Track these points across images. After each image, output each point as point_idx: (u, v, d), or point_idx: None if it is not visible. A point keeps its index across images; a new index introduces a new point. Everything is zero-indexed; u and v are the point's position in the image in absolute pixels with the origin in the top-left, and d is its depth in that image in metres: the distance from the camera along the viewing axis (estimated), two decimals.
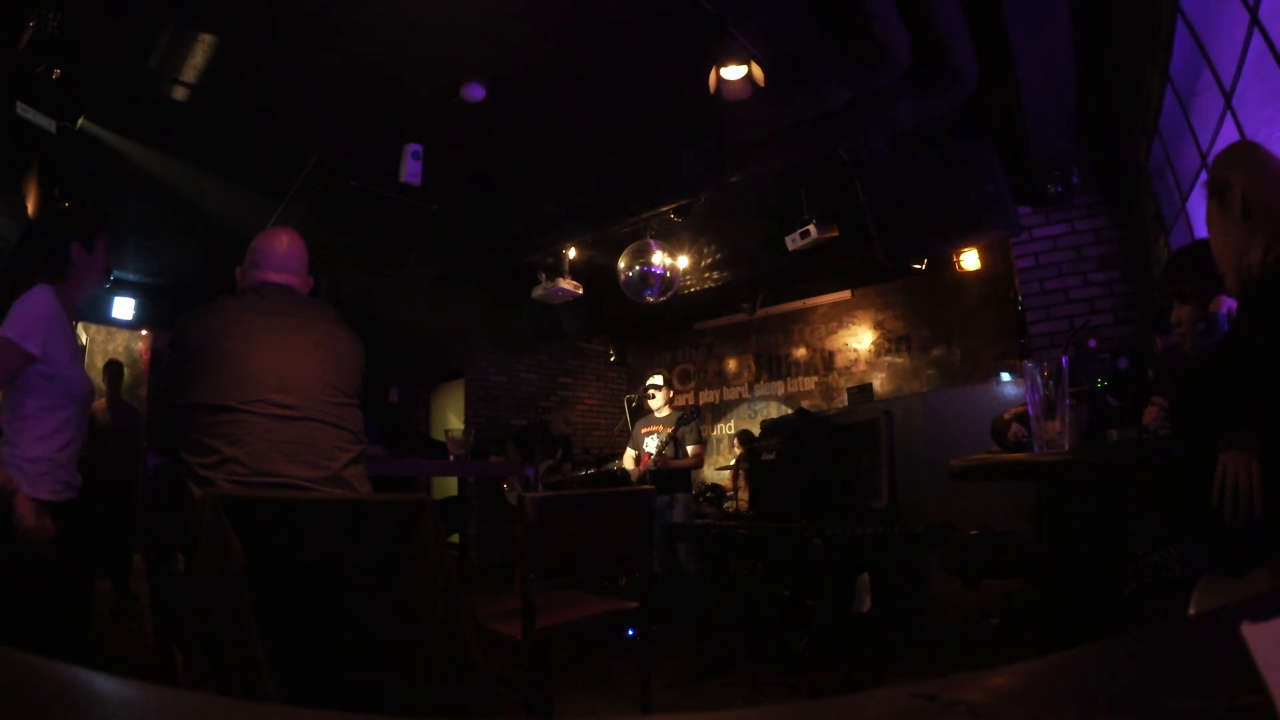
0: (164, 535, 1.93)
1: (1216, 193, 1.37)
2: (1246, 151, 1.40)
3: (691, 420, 4.55)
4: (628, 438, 4.84)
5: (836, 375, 7.01)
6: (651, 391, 4.68)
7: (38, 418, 1.79)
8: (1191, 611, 1.24)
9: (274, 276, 1.78)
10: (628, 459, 4.74)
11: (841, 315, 7.08)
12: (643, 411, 4.78)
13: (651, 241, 4.63)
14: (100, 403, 4.41)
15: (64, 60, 2.51)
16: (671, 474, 4.38)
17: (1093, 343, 3.46)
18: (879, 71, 3.00)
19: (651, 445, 4.53)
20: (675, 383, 8.05)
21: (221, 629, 1.17)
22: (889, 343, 6.75)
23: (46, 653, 0.29)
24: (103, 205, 3.61)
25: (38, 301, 1.78)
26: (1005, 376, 3.94)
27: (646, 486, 4.10)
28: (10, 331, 1.71)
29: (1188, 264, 1.79)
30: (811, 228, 4.30)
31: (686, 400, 7.90)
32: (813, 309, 7.24)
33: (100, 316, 5.79)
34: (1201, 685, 0.26)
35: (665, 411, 4.66)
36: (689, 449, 4.48)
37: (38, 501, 1.73)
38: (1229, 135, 2.50)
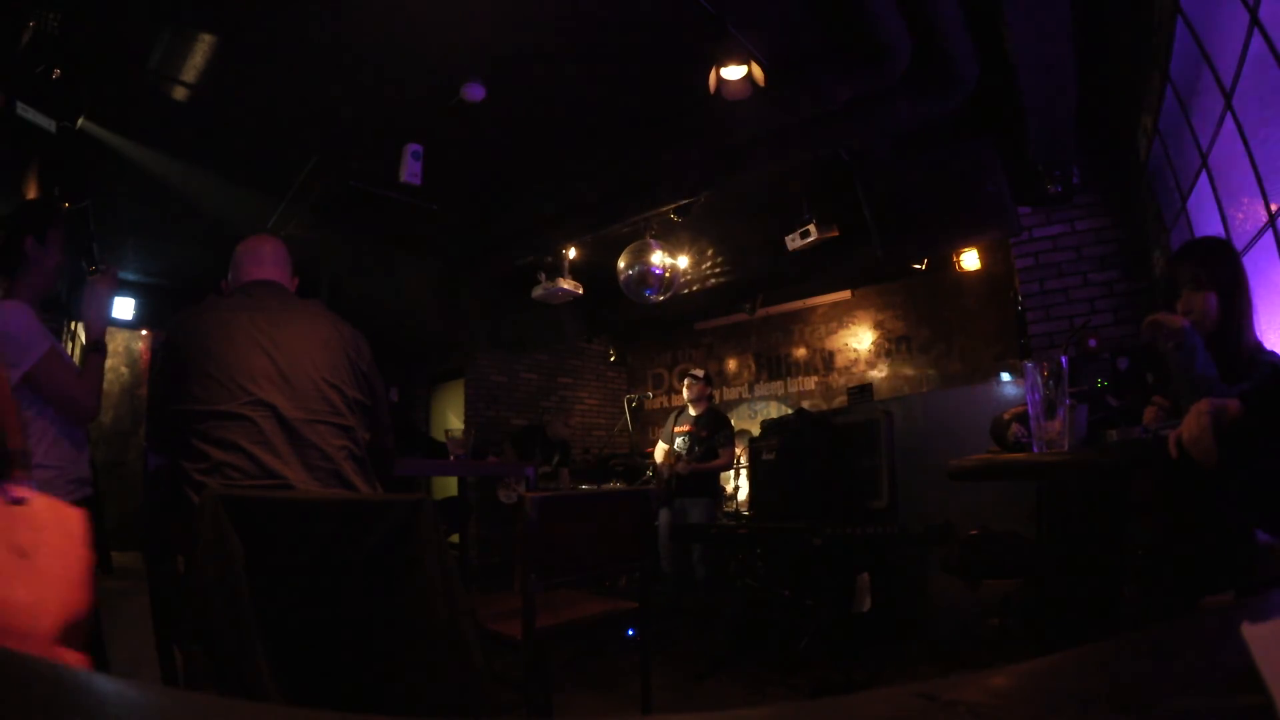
0: (164, 535, 1.93)
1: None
2: None
3: (725, 424, 4.54)
4: (628, 438, 4.83)
5: (836, 375, 7.00)
6: (689, 381, 4.65)
7: (35, 424, 1.79)
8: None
9: (259, 274, 1.77)
10: (659, 452, 4.74)
11: (841, 315, 7.07)
12: (659, 410, 4.73)
13: (651, 241, 4.63)
14: None
15: (64, 60, 2.50)
16: (700, 476, 4.34)
17: (1093, 343, 3.46)
18: (879, 72, 3.00)
19: (681, 445, 4.51)
20: (675, 383, 8.04)
21: (221, 629, 1.17)
22: (889, 343, 6.74)
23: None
24: (103, 205, 3.60)
25: (12, 316, 1.76)
26: (1005, 376, 3.93)
27: (647, 486, 4.09)
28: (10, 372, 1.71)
29: (1191, 251, 1.78)
30: (811, 228, 4.29)
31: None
32: (813, 309, 7.23)
33: None
34: (1201, 685, 0.26)
35: (700, 409, 4.63)
36: (720, 451, 4.45)
37: None
38: (1229, 135, 2.50)
